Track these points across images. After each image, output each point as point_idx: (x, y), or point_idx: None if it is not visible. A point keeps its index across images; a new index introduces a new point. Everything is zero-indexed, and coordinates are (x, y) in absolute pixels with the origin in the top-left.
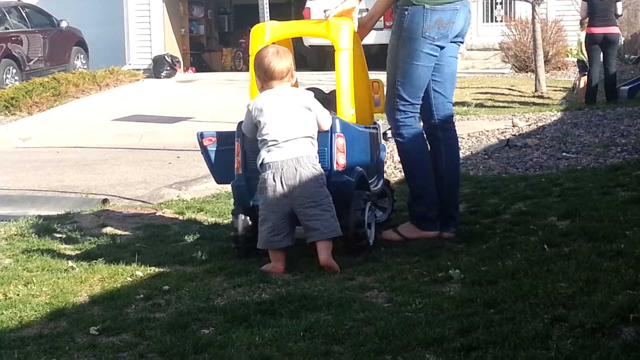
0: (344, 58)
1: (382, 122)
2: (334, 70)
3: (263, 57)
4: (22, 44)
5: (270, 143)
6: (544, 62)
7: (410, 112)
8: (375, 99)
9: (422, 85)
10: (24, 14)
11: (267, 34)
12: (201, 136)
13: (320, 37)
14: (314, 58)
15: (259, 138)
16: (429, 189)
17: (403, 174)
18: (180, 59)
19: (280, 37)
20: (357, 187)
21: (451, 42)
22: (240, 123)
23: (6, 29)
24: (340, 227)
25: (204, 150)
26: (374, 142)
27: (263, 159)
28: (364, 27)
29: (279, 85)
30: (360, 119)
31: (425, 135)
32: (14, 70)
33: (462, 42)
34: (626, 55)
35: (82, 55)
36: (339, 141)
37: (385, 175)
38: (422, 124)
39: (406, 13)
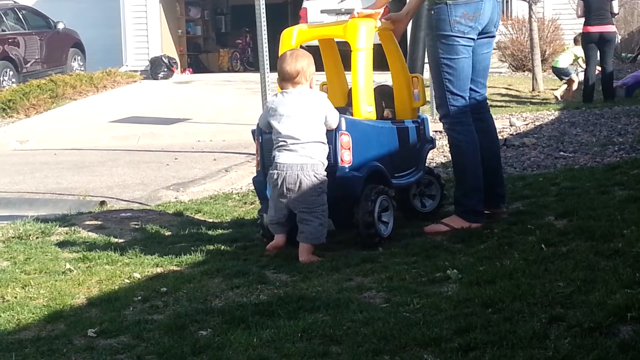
0: (360, 58)
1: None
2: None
3: (279, 58)
4: (19, 46)
5: (280, 143)
6: (541, 61)
7: (462, 106)
8: (414, 93)
9: (467, 76)
10: (20, 16)
11: (294, 37)
12: (255, 133)
13: (340, 38)
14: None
15: (272, 137)
16: (479, 184)
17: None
18: (177, 60)
19: (306, 39)
20: (371, 181)
21: (482, 37)
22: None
23: (3, 30)
24: (353, 222)
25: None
26: (408, 135)
27: (274, 158)
28: (400, 23)
29: (292, 86)
30: (400, 113)
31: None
32: (11, 73)
33: (493, 36)
34: (623, 54)
35: (79, 57)
36: (344, 139)
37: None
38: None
39: (432, 13)
